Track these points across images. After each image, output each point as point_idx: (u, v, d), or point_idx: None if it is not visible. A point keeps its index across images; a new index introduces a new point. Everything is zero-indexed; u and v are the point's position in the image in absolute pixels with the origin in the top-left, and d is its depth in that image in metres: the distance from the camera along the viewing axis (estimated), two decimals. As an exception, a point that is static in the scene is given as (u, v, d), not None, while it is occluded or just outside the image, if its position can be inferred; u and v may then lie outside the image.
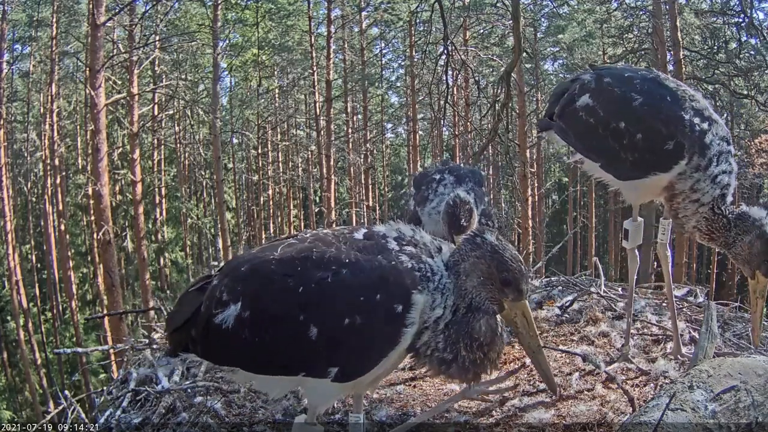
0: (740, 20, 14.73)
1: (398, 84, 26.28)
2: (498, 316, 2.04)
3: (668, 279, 3.24)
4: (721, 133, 2.71)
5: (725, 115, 17.75)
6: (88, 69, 13.09)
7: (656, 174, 2.77)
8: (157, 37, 17.93)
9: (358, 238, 2.04)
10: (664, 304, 4.06)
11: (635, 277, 3.22)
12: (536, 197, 21.46)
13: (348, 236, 2.06)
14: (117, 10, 14.72)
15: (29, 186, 23.78)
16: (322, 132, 20.18)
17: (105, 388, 3.55)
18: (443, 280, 1.98)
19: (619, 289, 4.45)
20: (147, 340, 3.96)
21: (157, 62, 19.20)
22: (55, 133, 20.34)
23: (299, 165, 27.76)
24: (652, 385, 2.91)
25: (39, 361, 19.80)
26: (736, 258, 2.76)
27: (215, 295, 2.08)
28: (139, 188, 16.77)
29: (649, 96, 2.74)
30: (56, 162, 20.92)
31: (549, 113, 3.20)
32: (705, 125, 2.68)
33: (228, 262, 2.39)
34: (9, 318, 20.47)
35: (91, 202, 17.00)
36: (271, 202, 26.13)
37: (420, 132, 23.23)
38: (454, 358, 1.99)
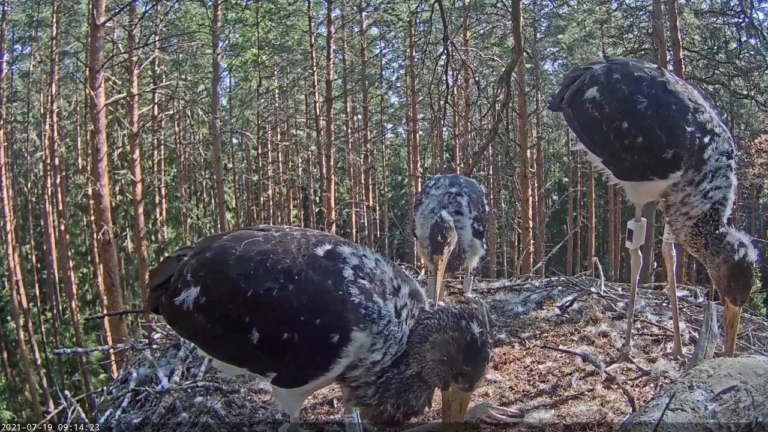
0: (740, 20, 14.74)
1: (398, 84, 26.33)
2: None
3: (672, 278, 3.23)
4: (721, 147, 2.68)
5: (725, 115, 17.76)
6: (88, 69, 13.08)
7: (653, 179, 2.77)
8: (157, 37, 17.92)
9: (318, 255, 2.00)
10: (664, 304, 4.06)
11: (638, 277, 3.23)
12: (536, 197, 21.46)
13: (310, 249, 2.02)
14: (117, 10, 14.72)
15: (29, 186, 23.79)
16: (322, 132, 20.19)
17: (105, 388, 3.54)
18: (390, 326, 1.94)
19: (619, 289, 4.44)
20: (147, 340, 3.96)
21: (157, 62, 19.19)
22: (55, 133, 20.36)
23: (299, 165, 27.77)
24: (652, 385, 2.90)
25: (39, 361, 19.81)
26: (712, 278, 2.76)
27: (183, 272, 2.17)
28: (139, 188, 16.77)
29: (655, 101, 2.72)
30: (56, 162, 20.93)
31: (561, 96, 3.19)
32: (706, 139, 2.66)
33: (202, 240, 2.44)
34: (9, 318, 20.48)
35: (91, 202, 17.02)
36: (271, 202, 26.13)
37: (420, 132, 23.25)
38: (378, 407, 2.01)
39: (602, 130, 2.86)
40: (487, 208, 3.98)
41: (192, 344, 3.68)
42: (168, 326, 2.49)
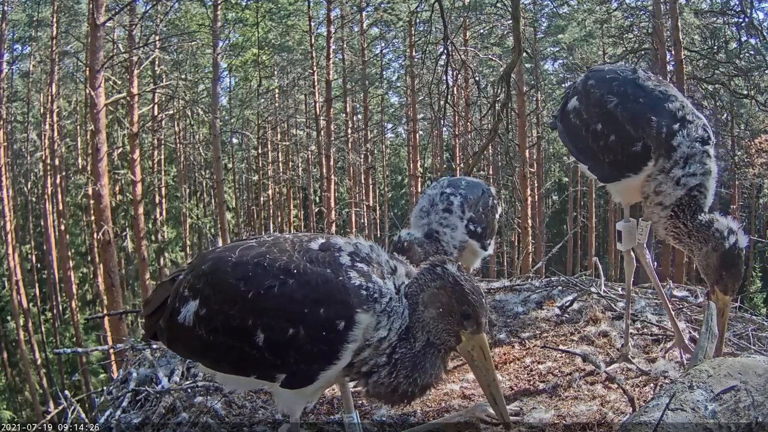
0: (740, 20, 14.73)
1: (398, 84, 26.33)
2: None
3: (653, 276, 3.21)
4: (694, 134, 2.63)
5: (725, 115, 17.76)
6: (88, 69, 13.09)
7: (629, 176, 2.77)
8: (157, 37, 17.94)
9: (313, 248, 2.02)
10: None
11: (632, 278, 3.22)
12: (536, 197, 21.46)
13: (305, 245, 2.04)
14: (117, 10, 14.72)
15: (29, 186, 23.80)
16: (322, 132, 20.20)
17: (105, 388, 3.54)
18: (392, 303, 1.95)
19: (619, 289, 4.44)
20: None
21: (157, 62, 19.20)
22: (55, 133, 20.36)
23: (299, 165, 27.78)
24: (652, 385, 2.90)
25: (39, 361, 19.82)
26: (699, 268, 2.68)
27: (179, 289, 2.15)
28: (139, 188, 16.77)
29: (623, 97, 2.75)
30: (56, 162, 20.94)
31: (556, 114, 3.29)
32: (675, 126, 2.63)
33: (196, 256, 2.43)
34: (9, 318, 20.49)
35: (91, 202, 17.03)
36: (271, 202, 26.15)
37: (420, 132, 23.25)
38: (392, 385, 1.99)
39: (583, 136, 2.92)
40: (499, 209, 3.94)
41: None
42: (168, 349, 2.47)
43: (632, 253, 3.15)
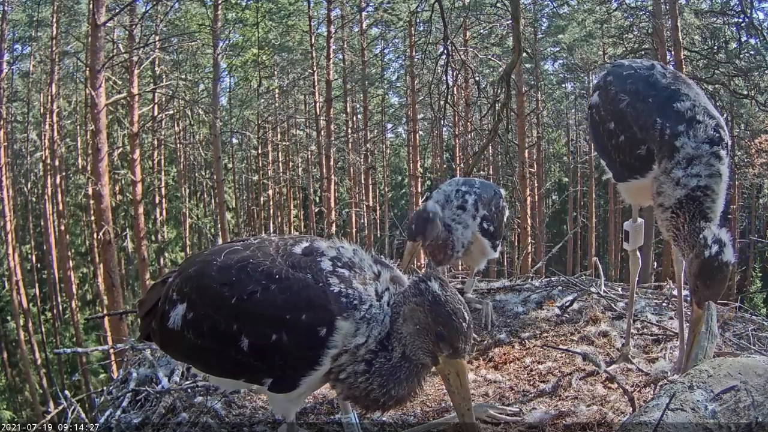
0: (740, 20, 14.74)
1: (398, 84, 26.33)
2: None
3: (680, 284, 3.10)
4: (702, 135, 2.50)
5: (725, 115, 17.74)
6: (88, 69, 13.08)
7: (636, 178, 2.70)
8: (157, 37, 17.94)
9: (296, 253, 2.02)
10: (664, 304, 4.06)
11: (637, 278, 3.21)
12: (536, 197, 21.46)
13: (288, 249, 2.04)
14: (117, 10, 14.71)
15: (29, 186, 23.80)
16: (322, 132, 20.19)
17: (105, 388, 3.55)
18: (371, 310, 1.94)
19: (619, 289, 4.45)
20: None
21: (157, 62, 19.20)
22: (55, 133, 20.36)
23: (299, 165, 27.78)
24: (652, 385, 2.90)
25: (39, 361, 19.81)
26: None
27: (168, 292, 2.17)
28: (139, 188, 16.77)
29: (635, 97, 2.67)
30: (56, 162, 20.94)
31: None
32: (680, 127, 2.51)
33: (186, 258, 2.44)
34: (9, 318, 20.48)
35: (91, 202, 17.02)
36: (271, 202, 26.13)
37: (420, 132, 23.24)
38: (366, 390, 1.97)
39: (600, 133, 2.88)
40: (506, 213, 3.94)
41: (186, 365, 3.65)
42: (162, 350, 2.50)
43: (638, 253, 3.13)
